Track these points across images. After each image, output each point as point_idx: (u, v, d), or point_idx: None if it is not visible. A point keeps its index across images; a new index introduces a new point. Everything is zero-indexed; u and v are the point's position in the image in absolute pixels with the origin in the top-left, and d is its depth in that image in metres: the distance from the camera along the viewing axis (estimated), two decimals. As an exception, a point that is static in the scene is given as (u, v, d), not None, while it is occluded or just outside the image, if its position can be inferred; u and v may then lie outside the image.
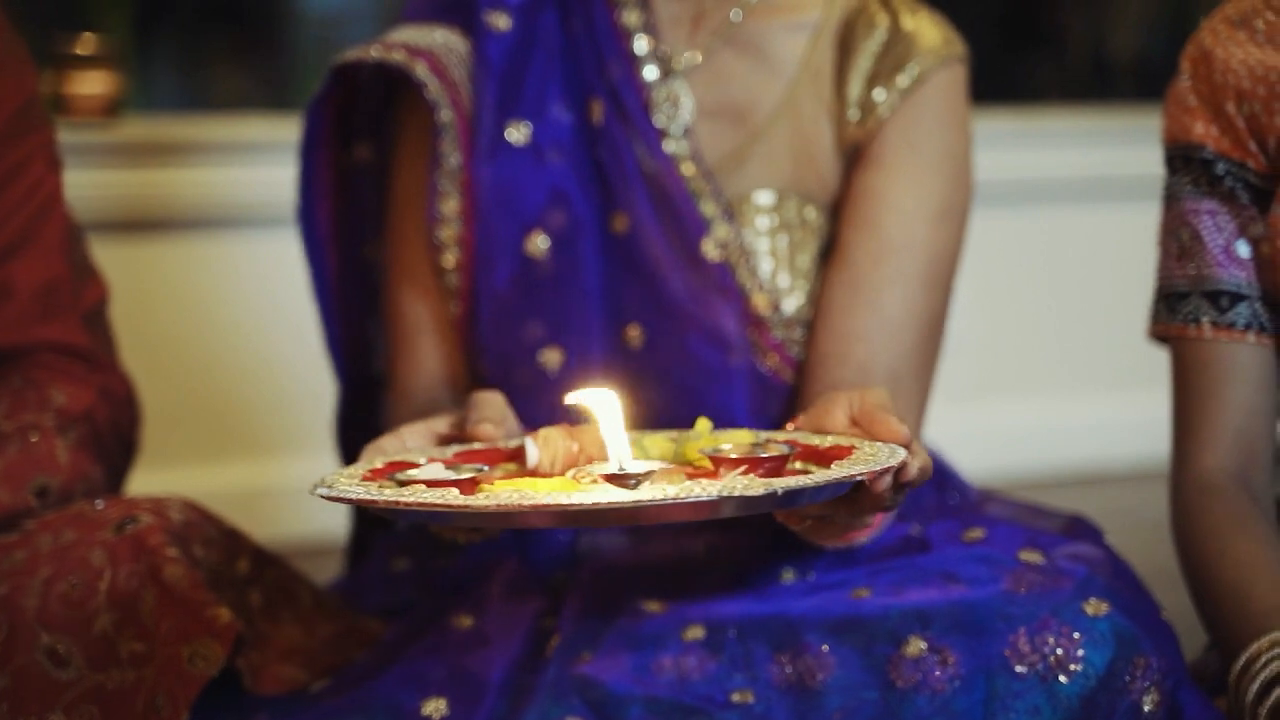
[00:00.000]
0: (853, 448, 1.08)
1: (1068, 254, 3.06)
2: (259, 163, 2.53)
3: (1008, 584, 1.24)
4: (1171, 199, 1.42)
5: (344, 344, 1.58)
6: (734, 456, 1.07)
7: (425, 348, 1.48)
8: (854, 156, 1.46)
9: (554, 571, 1.41)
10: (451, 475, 1.08)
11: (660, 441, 1.17)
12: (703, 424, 1.18)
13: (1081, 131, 3.11)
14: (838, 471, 1.02)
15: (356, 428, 1.59)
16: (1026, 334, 3.07)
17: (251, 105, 3.17)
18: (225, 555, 1.27)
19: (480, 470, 1.10)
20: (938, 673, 1.20)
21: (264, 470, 2.61)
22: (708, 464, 1.08)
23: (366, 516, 1.59)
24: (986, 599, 1.23)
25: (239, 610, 1.24)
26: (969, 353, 2.67)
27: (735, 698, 1.23)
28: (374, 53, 1.45)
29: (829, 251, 1.47)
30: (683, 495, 0.96)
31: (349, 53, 1.48)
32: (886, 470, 1.05)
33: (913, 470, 1.10)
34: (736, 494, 0.97)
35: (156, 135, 2.61)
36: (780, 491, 0.98)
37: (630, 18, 1.47)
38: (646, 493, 0.98)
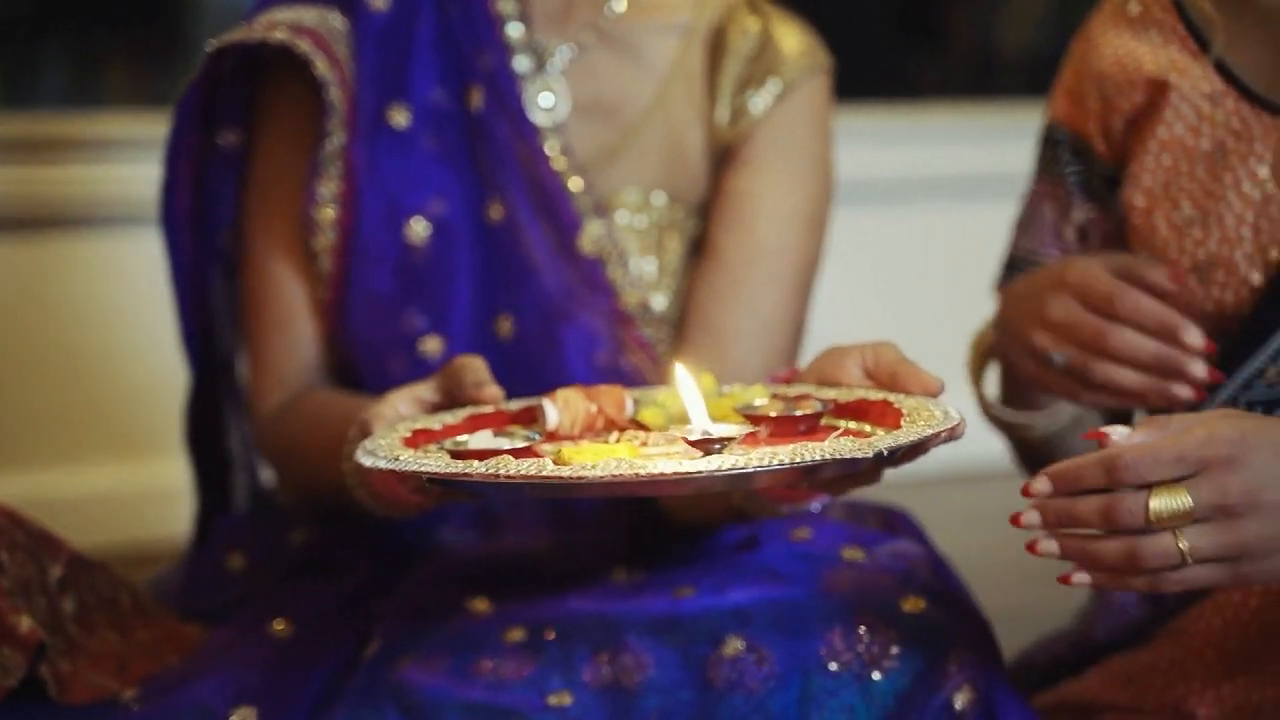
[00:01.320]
0: (885, 401, 1.09)
1: (956, 250, 3.07)
2: (134, 160, 2.50)
3: (827, 582, 1.24)
4: (1034, 172, 1.49)
5: (199, 334, 1.56)
6: (773, 415, 1.08)
7: (300, 332, 1.48)
8: (724, 158, 1.49)
9: (389, 571, 1.40)
10: (505, 443, 1.08)
11: (675, 399, 1.16)
12: (708, 380, 1.17)
13: (969, 128, 3.13)
14: (925, 429, 1.01)
15: (204, 420, 1.58)
16: (913, 331, 3.07)
17: (148, 102, 3.14)
18: (35, 561, 1.24)
19: (531, 438, 1.11)
20: (754, 672, 1.20)
21: (135, 472, 2.58)
22: (741, 420, 1.09)
23: (211, 504, 1.58)
24: (805, 597, 1.23)
25: (49, 618, 1.22)
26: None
27: (552, 700, 1.21)
28: (256, 33, 1.44)
29: (697, 251, 1.49)
30: (796, 459, 0.96)
31: (227, 35, 1.47)
32: (958, 425, 1.04)
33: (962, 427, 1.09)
34: (845, 455, 0.97)
35: (25, 132, 2.57)
36: (886, 451, 0.98)
37: (504, 5, 1.47)
38: (756, 457, 0.97)
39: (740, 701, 1.19)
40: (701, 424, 1.07)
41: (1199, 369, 1.24)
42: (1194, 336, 1.23)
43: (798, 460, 0.96)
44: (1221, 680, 1.30)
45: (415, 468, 1.02)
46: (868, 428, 1.09)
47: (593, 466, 0.97)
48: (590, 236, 1.45)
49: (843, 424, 1.10)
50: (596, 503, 1.47)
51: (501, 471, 0.98)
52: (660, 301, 1.46)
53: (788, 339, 1.47)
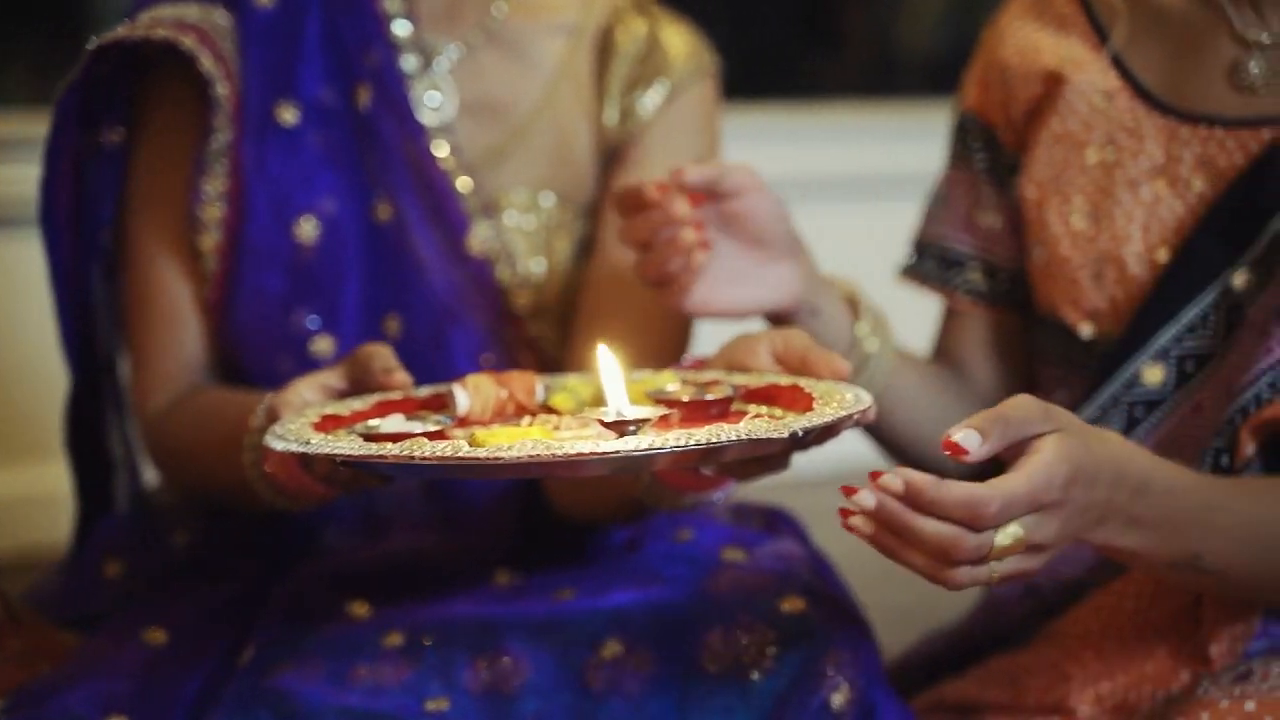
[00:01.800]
0: (796, 386, 1.09)
1: (853, 250, 3.08)
2: (22, 160, 2.45)
3: (707, 583, 1.24)
4: (947, 159, 1.51)
5: (79, 334, 1.54)
6: (685, 399, 1.08)
7: (185, 331, 1.46)
8: (612, 159, 1.49)
9: (271, 574, 1.38)
10: (417, 427, 1.07)
11: (585, 385, 1.16)
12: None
13: (867, 127, 3.14)
14: (837, 412, 1.01)
15: (85, 422, 1.55)
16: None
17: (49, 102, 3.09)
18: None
19: (443, 422, 1.10)
20: (632, 674, 1.20)
21: (16, 477, 2.54)
22: (653, 405, 1.09)
23: (92, 507, 1.55)
24: (684, 599, 1.23)
25: (-85, 628, 1.20)
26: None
27: (430, 706, 1.21)
28: (139, 30, 1.41)
29: (585, 250, 1.49)
30: (711, 440, 0.96)
31: (110, 33, 1.44)
32: (869, 408, 1.05)
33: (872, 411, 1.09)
34: (759, 436, 0.97)
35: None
36: (799, 433, 0.98)
37: (390, 3, 1.46)
38: (672, 438, 0.97)
39: (618, 704, 1.19)
40: (617, 406, 1.06)
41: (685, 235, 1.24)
42: (681, 207, 1.24)
43: (713, 441, 0.96)
44: (1100, 679, 1.31)
45: (328, 450, 1.01)
46: (779, 412, 1.09)
47: (509, 448, 0.96)
48: (478, 237, 1.44)
49: (754, 409, 1.11)
50: (487, 502, 1.47)
51: (416, 453, 0.97)
52: (550, 301, 1.46)
53: (676, 339, 1.47)
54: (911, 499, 0.96)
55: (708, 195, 1.27)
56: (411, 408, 1.15)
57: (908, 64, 3.66)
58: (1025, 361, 1.48)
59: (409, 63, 1.46)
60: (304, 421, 1.08)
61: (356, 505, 1.45)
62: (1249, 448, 1.23)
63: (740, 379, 1.13)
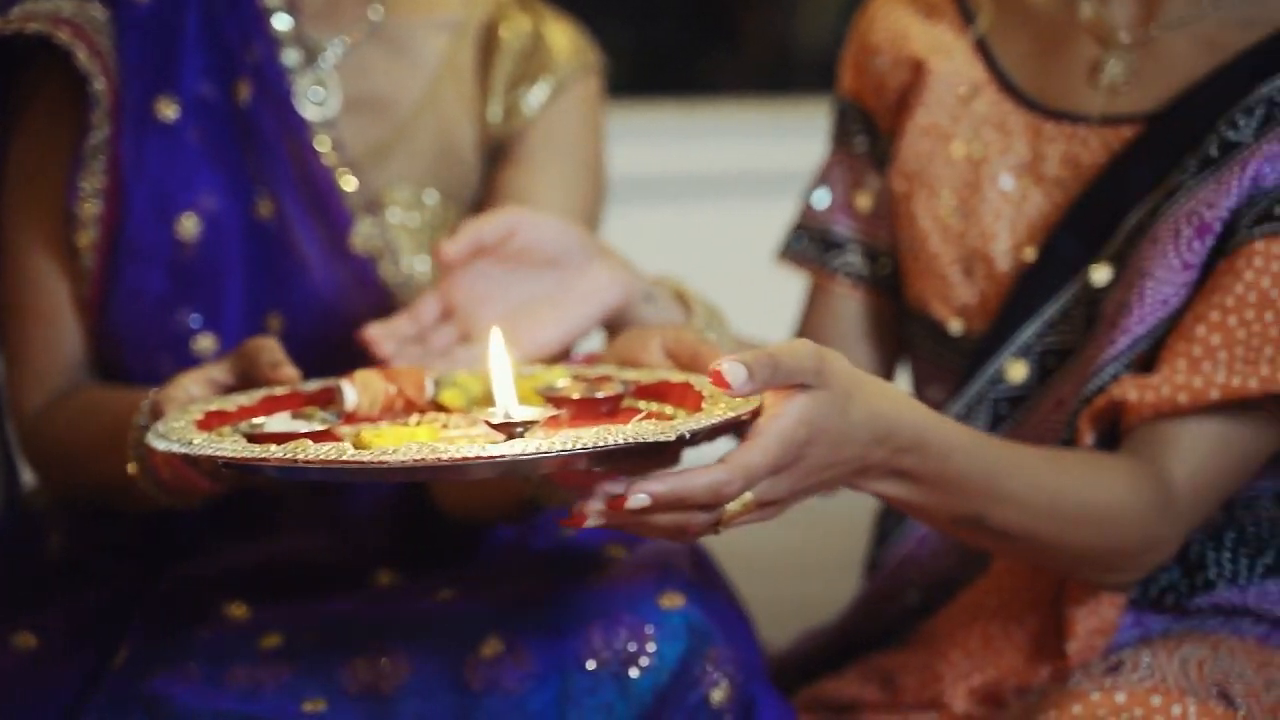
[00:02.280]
0: (687, 383, 1.08)
1: (750, 247, 3.09)
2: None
3: (588, 580, 1.24)
4: (829, 144, 1.51)
5: None
6: (575, 397, 1.06)
7: (63, 329, 1.43)
8: (496, 156, 1.48)
9: (148, 576, 1.37)
10: (303, 426, 1.05)
11: (475, 380, 1.15)
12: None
13: (765, 124, 3.16)
14: (726, 412, 0.99)
15: None
16: (712, 325, 3.10)
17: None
18: None
19: (329, 420, 1.08)
20: (512, 672, 1.19)
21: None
22: (542, 402, 1.07)
23: None
24: (564, 597, 1.22)
25: None
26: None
27: (308, 707, 1.20)
28: (12, 24, 1.39)
29: None
30: (599, 443, 0.94)
31: None
32: (759, 407, 1.01)
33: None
34: (647, 439, 0.95)
35: None
36: (688, 434, 0.96)
37: None
38: (559, 441, 0.95)
39: (497, 703, 1.19)
40: (505, 405, 1.05)
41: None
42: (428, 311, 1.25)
43: (600, 444, 0.95)
44: (971, 673, 1.32)
45: (210, 452, 0.99)
46: (669, 409, 1.08)
47: (393, 451, 0.95)
48: (361, 234, 1.43)
49: (644, 406, 1.10)
50: (372, 502, 1.46)
51: (300, 456, 0.96)
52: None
53: None
54: (658, 504, 0.94)
55: (481, 252, 1.25)
56: (298, 403, 1.14)
57: (805, 62, 3.67)
58: (896, 351, 1.49)
59: (291, 58, 1.44)
60: (188, 420, 1.06)
61: (236, 505, 1.44)
62: (1088, 437, 1.25)
63: (631, 375, 1.13)
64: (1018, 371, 1.32)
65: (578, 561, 1.26)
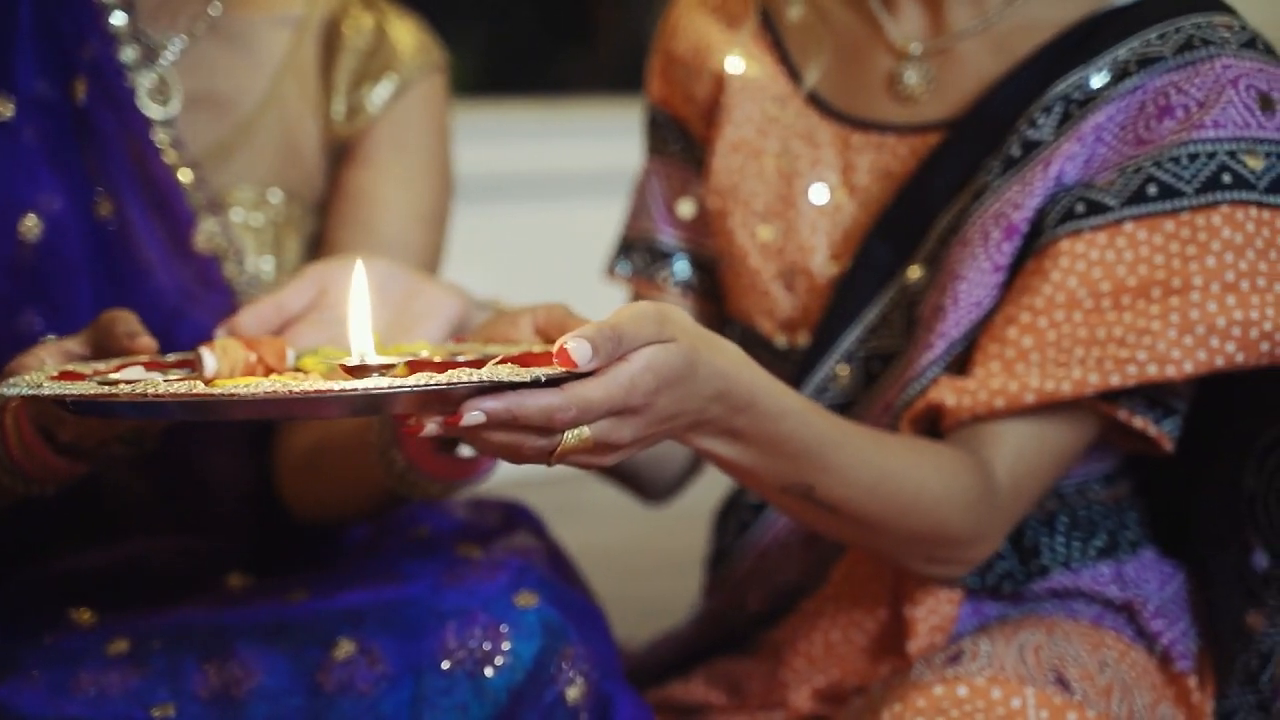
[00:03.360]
0: (548, 353, 1.04)
1: (605, 245, 3.10)
2: None
3: (442, 579, 1.23)
4: (644, 155, 1.50)
5: None
6: (437, 360, 1.04)
7: None
8: (341, 155, 1.47)
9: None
10: (159, 377, 1.01)
11: (339, 353, 1.12)
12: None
13: (617, 123, 3.16)
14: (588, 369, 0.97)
15: None
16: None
17: None
18: None
19: (189, 374, 1.06)
20: (365, 674, 1.18)
21: None
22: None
23: None
24: (418, 595, 1.22)
25: None
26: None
27: (156, 713, 1.18)
28: None
29: (316, 248, 1.47)
30: (452, 380, 0.92)
31: None
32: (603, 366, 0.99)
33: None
34: (502, 379, 0.93)
35: None
36: (543, 378, 0.94)
37: None
38: (414, 380, 0.92)
39: (350, 705, 1.18)
40: (361, 350, 1.04)
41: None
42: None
43: (454, 382, 0.93)
44: (814, 675, 1.35)
45: (57, 392, 0.97)
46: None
47: (246, 385, 0.93)
48: (205, 234, 1.41)
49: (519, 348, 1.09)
50: (223, 505, 1.44)
51: (150, 391, 0.94)
52: None
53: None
54: (499, 421, 0.95)
55: (290, 322, 1.22)
56: (158, 369, 1.12)
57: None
58: None
59: (129, 55, 1.41)
60: (41, 375, 1.04)
61: (82, 508, 1.41)
62: None
63: (497, 349, 1.11)
64: (844, 378, 1.33)
65: (431, 561, 1.26)
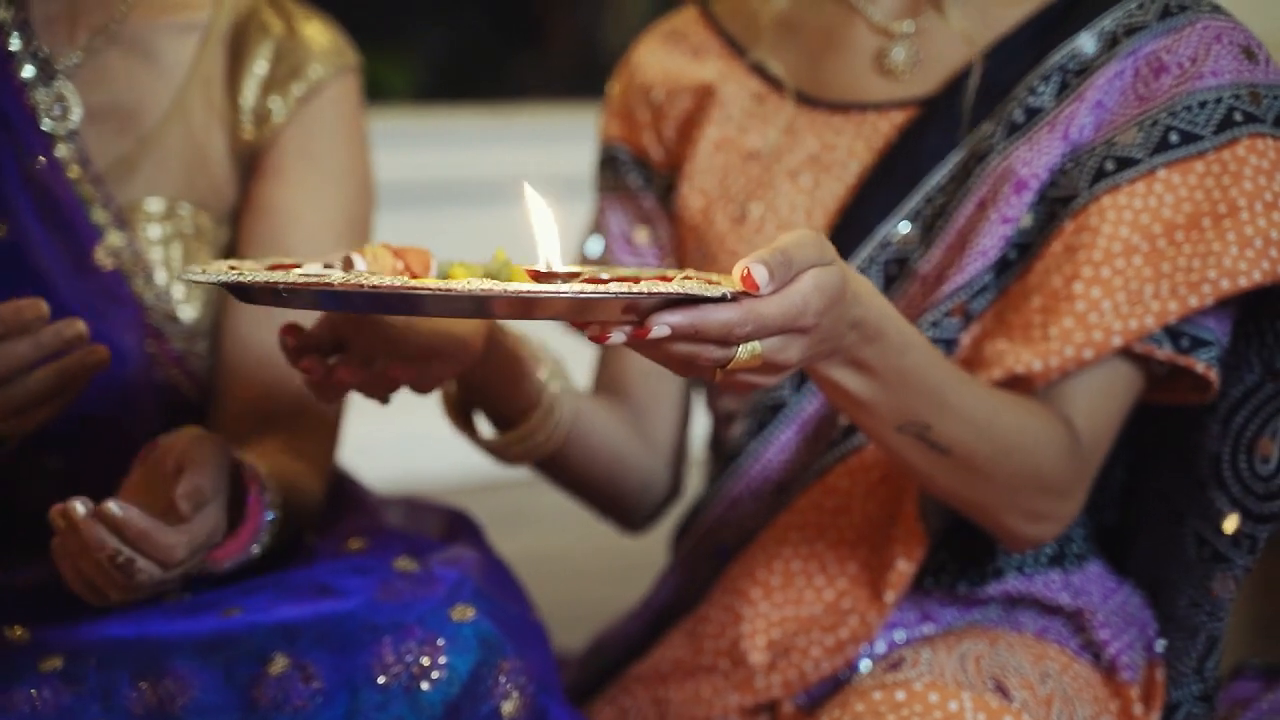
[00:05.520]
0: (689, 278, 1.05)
1: (561, 250, 3.09)
2: None
3: (378, 594, 1.23)
4: (596, 193, 1.51)
5: None
6: (605, 277, 1.05)
7: None
8: (250, 165, 1.43)
9: None
10: (338, 273, 1.00)
11: (477, 270, 1.13)
12: (501, 253, 1.13)
13: (570, 128, 3.15)
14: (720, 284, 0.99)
15: None
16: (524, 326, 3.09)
17: None
18: None
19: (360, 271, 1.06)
20: (300, 690, 1.18)
21: None
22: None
23: None
24: (353, 610, 1.21)
25: None
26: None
27: (90, 730, 1.17)
28: None
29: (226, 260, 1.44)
30: (653, 290, 0.94)
31: None
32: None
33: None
34: (696, 293, 0.95)
35: None
36: (729, 295, 0.97)
37: None
38: (623, 287, 0.94)
39: (286, 720, 1.17)
40: (546, 256, 1.04)
41: None
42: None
43: (657, 291, 0.94)
44: (771, 626, 1.34)
45: (265, 279, 0.97)
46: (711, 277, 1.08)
47: (460, 283, 0.92)
48: (110, 249, 1.38)
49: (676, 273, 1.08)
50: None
51: (366, 283, 0.93)
52: (189, 313, 1.41)
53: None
54: (678, 333, 0.97)
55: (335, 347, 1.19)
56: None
57: (611, 65, 3.69)
58: (688, 383, 1.49)
59: (26, 70, 1.39)
60: (221, 264, 1.04)
61: (12, 525, 1.40)
62: None
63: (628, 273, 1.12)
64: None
65: (366, 575, 1.25)
